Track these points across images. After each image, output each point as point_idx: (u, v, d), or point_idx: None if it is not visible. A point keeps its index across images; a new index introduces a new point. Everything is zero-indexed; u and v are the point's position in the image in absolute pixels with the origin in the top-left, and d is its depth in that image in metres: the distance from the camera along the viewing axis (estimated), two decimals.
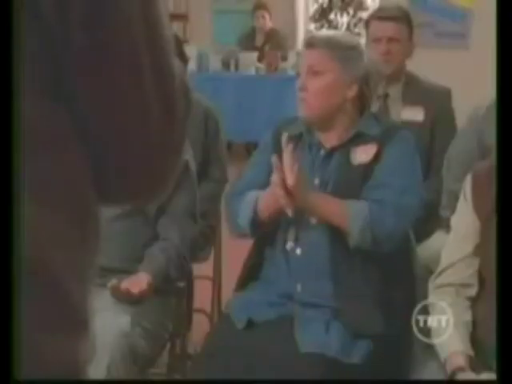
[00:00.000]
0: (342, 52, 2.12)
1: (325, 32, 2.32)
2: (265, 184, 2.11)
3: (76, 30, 0.67)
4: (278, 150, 2.13)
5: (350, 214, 2.01)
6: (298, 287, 2.07)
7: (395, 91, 2.89)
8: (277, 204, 2.01)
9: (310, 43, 2.15)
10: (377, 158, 2.08)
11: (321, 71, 2.11)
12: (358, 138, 2.13)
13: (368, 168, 2.07)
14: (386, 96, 2.89)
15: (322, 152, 2.16)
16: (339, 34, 2.27)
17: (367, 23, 2.98)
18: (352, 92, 2.13)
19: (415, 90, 2.88)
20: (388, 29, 2.85)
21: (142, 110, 0.71)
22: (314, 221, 2.09)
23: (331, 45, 2.12)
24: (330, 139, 2.15)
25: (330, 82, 2.11)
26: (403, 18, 2.89)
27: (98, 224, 0.74)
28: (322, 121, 2.14)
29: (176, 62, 0.75)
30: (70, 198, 0.69)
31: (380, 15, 2.92)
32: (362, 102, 2.18)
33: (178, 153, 0.77)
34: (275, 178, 1.97)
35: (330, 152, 2.14)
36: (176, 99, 0.74)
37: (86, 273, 0.72)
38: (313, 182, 2.13)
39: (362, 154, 2.10)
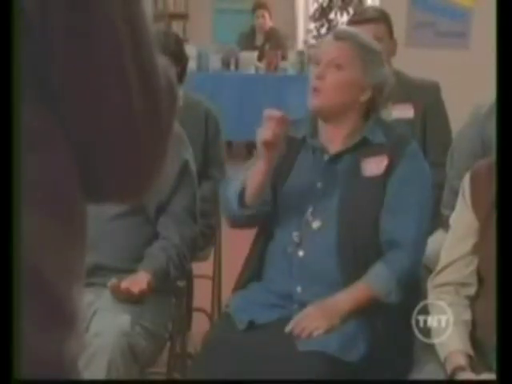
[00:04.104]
0: (367, 53, 2.12)
1: (354, 29, 2.26)
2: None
3: (58, 28, 0.67)
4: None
5: (380, 292, 2.01)
6: (299, 289, 2.07)
7: None
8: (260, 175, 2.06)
9: (340, 36, 2.15)
10: (388, 170, 2.07)
11: (343, 66, 2.10)
12: (365, 146, 2.12)
13: (379, 181, 2.07)
14: None
15: (326, 157, 2.14)
16: (367, 35, 2.24)
17: None
18: (365, 96, 2.13)
19: (403, 88, 2.88)
20: (367, 30, 2.85)
21: (126, 108, 0.71)
22: (316, 224, 2.08)
23: (359, 43, 2.13)
24: (334, 143, 2.14)
25: (349, 79, 2.10)
26: (380, 18, 2.90)
27: (84, 223, 0.74)
28: (330, 115, 2.14)
29: (161, 59, 0.75)
30: (55, 198, 0.70)
31: (357, 19, 2.93)
32: (369, 109, 2.17)
33: (164, 147, 0.77)
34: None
35: (335, 157, 2.13)
36: (161, 96, 0.74)
37: (73, 272, 0.72)
38: (315, 184, 2.12)
39: (373, 166, 2.09)
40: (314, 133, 2.19)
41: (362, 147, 2.12)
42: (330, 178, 2.12)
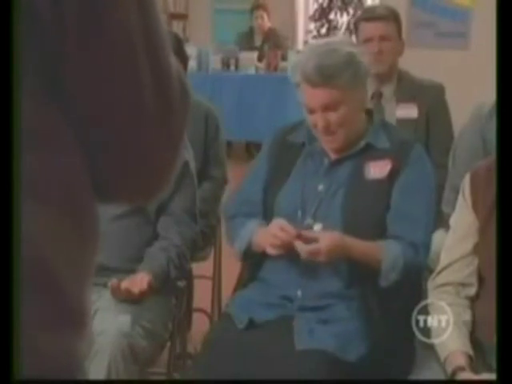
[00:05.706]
0: (353, 82, 2.04)
1: (331, 63, 2.01)
2: (259, 201, 2.17)
3: (72, 28, 0.67)
4: (275, 161, 2.18)
5: (386, 261, 2.00)
6: (299, 293, 2.06)
7: (388, 90, 2.91)
8: (269, 245, 2.03)
9: (319, 83, 2.02)
10: (392, 174, 2.06)
11: (338, 107, 2.04)
12: (368, 151, 2.10)
13: (383, 185, 2.06)
14: (380, 95, 2.90)
15: (327, 161, 2.13)
16: (342, 65, 2.03)
17: (356, 26, 2.99)
18: (367, 105, 2.13)
19: (408, 87, 2.90)
20: (378, 28, 2.86)
21: (140, 107, 0.71)
22: (317, 227, 2.06)
23: (344, 82, 2.02)
24: (335, 148, 2.12)
25: (351, 112, 2.07)
26: (391, 17, 2.91)
27: (96, 223, 0.74)
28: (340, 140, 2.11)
29: (173, 59, 0.75)
30: (67, 197, 0.69)
31: (368, 16, 2.94)
32: (370, 110, 2.18)
33: (176, 149, 0.77)
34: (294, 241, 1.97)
35: (337, 161, 2.12)
36: (174, 96, 0.74)
37: (84, 272, 0.72)
38: (316, 188, 2.10)
39: (377, 170, 2.08)
40: (313, 138, 2.17)
41: (365, 152, 2.11)
42: (332, 181, 2.10)
